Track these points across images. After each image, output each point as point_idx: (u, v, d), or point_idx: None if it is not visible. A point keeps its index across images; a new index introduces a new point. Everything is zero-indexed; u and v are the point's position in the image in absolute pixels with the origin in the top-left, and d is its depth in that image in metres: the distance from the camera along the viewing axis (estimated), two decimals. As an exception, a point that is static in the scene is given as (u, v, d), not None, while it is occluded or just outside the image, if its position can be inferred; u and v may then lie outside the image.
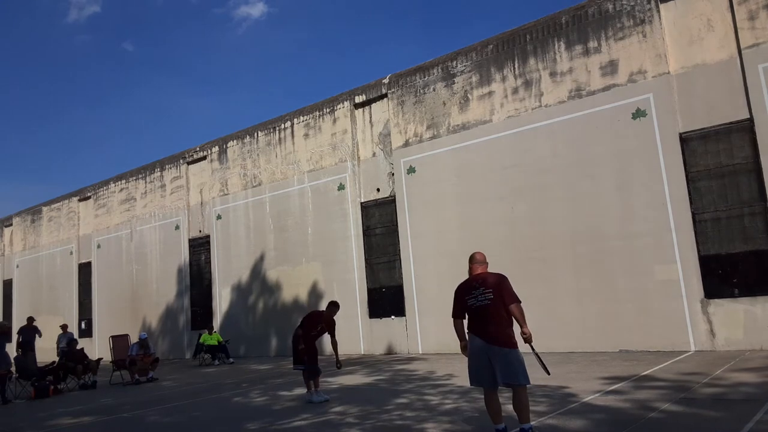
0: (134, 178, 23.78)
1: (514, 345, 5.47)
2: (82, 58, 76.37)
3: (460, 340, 5.71)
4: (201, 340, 18.05)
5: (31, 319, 17.27)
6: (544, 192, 13.12)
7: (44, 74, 75.66)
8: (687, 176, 11.50)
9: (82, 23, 74.49)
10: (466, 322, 5.69)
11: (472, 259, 5.85)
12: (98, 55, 76.40)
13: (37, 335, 16.49)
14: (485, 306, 5.51)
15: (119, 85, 76.04)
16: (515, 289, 5.64)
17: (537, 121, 13.42)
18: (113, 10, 75.10)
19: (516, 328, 5.53)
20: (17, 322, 25.83)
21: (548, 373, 5.66)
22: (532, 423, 5.37)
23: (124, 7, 75.65)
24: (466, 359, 5.74)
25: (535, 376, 9.53)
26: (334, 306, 9.55)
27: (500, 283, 5.59)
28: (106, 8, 74.85)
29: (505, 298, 5.51)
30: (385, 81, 16.34)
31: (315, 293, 17.18)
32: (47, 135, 76.12)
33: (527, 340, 5.47)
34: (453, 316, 5.75)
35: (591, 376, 9.06)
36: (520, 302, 5.54)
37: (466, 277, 5.86)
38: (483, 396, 5.70)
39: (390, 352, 15.40)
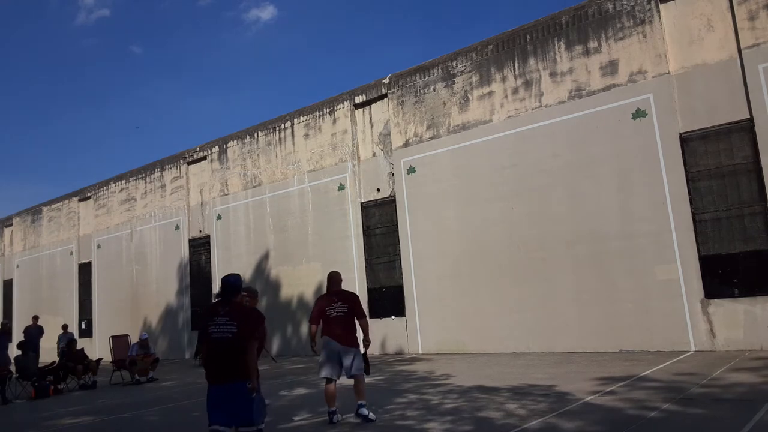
0: (134, 178, 23.79)
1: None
2: (88, 60, 76.40)
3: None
4: (201, 340, 18.02)
5: (36, 318, 17.38)
6: (544, 192, 13.11)
7: (47, 76, 75.72)
8: (687, 176, 11.50)
9: (91, 26, 74.51)
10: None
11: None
12: (105, 57, 76.43)
13: (40, 335, 16.62)
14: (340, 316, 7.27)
15: (122, 86, 76.07)
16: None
17: (537, 121, 13.42)
18: (122, 13, 75.19)
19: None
20: (17, 322, 25.87)
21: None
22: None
23: (134, 11, 75.73)
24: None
25: (536, 376, 9.56)
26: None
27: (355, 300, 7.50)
28: (116, 12, 74.93)
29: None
30: (385, 81, 16.34)
31: (315, 293, 17.17)
32: (48, 135, 76.14)
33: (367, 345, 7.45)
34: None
35: (591, 376, 9.06)
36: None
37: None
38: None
39: (390, 352, 15.40)
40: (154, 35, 77.51)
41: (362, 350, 7.36)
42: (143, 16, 75.93)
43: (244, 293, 9.82)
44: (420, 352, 14.74)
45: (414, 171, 15.37)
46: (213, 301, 5.81)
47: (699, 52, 11.65)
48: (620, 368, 9.56)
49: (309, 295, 17.30)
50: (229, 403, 5.06)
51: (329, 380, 7.18)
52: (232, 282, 5.34)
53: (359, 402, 7.08)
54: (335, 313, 7.23)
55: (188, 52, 77.99)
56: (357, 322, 7.32)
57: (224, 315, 5.15)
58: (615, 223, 12.14)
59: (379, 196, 16.26)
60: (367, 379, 7.47)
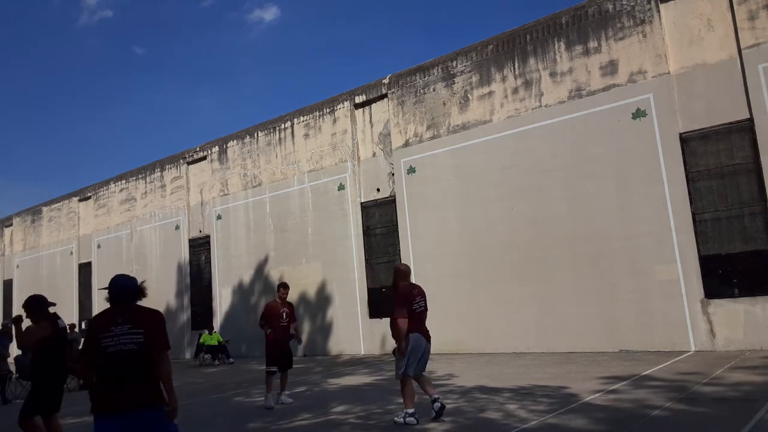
0: (134, 178, 23.78)
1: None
2: (90, 60, 76.51)
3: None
4: (201, 341, 18.06)
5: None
6: (544, 192, 13.12)
7: (49, 76, 75.75)
8: (687, 176, 11.51)
9: (93, 27, 74.56)
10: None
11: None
12: (107, 58, 76.56)
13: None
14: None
15: (122, 87, 76.20)
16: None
17: (537, 121, 13.42)
18: (125, 14, 75.26)
19: None
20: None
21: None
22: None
23: (136, 12, 75.81)
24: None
25: (537, 376, 9.56)
26: (283, 288, 9.98)
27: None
28: (118, 13, 74.98)
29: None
30: (385, 81, 16.35)
31: (315, 293, 17.18)
32: (49, 135, 76.18)
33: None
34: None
35: (591, 375, 9.07)
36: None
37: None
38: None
39: (390, 351, 15.37)
40: (156, 36, 77.68)
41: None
42: (145, 17, 76.06)
43: (281, 288, 9.94)
44: (420, 352, 14.73)
45: (414, 171, 15.37)
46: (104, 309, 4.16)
47: (699, 52, 11.66)
48: (620, 368, 9.57)
49: (309, 295, 17.30)
50: None
51: (407, 377, 6.74)
52: (126, 285, 4.09)
53: (437, 395, 6.83)
54: (420, 308, 6.87)
55: (190, 53, 78.11)
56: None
57: (125, 323, 3.94)
58: (615, 223, 12.14)
59: (379, 196, 16.26)
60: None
